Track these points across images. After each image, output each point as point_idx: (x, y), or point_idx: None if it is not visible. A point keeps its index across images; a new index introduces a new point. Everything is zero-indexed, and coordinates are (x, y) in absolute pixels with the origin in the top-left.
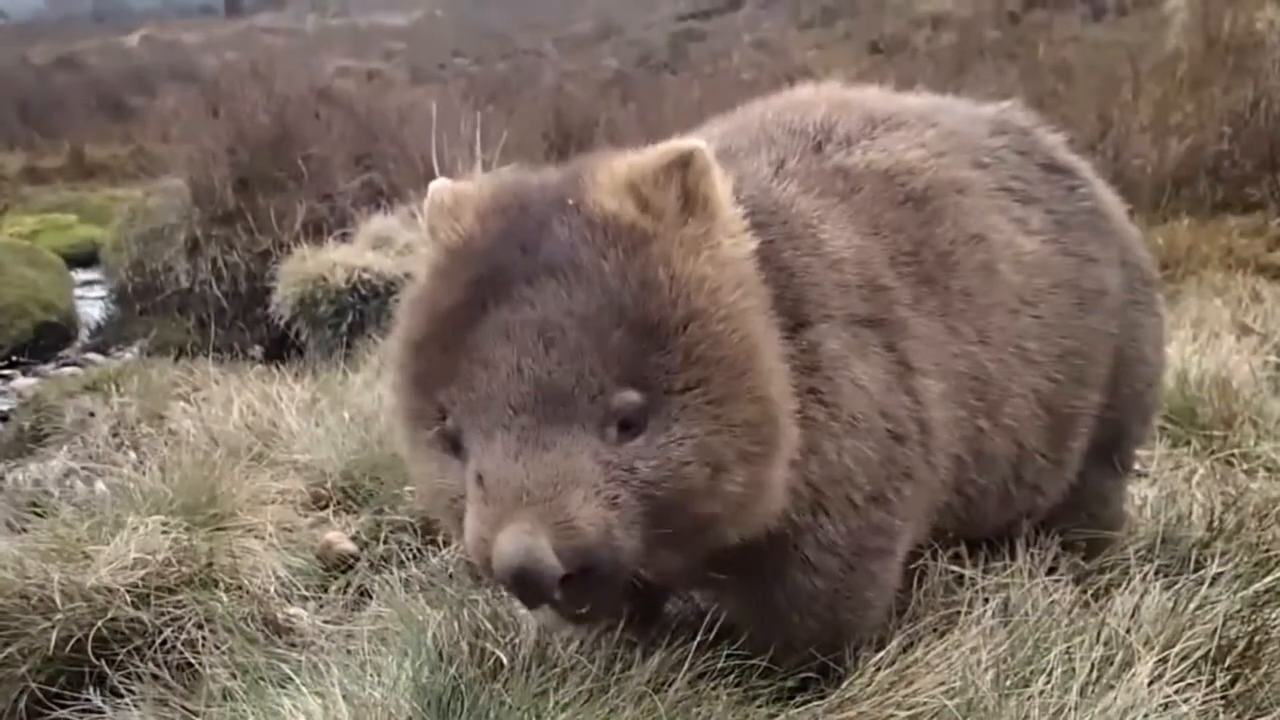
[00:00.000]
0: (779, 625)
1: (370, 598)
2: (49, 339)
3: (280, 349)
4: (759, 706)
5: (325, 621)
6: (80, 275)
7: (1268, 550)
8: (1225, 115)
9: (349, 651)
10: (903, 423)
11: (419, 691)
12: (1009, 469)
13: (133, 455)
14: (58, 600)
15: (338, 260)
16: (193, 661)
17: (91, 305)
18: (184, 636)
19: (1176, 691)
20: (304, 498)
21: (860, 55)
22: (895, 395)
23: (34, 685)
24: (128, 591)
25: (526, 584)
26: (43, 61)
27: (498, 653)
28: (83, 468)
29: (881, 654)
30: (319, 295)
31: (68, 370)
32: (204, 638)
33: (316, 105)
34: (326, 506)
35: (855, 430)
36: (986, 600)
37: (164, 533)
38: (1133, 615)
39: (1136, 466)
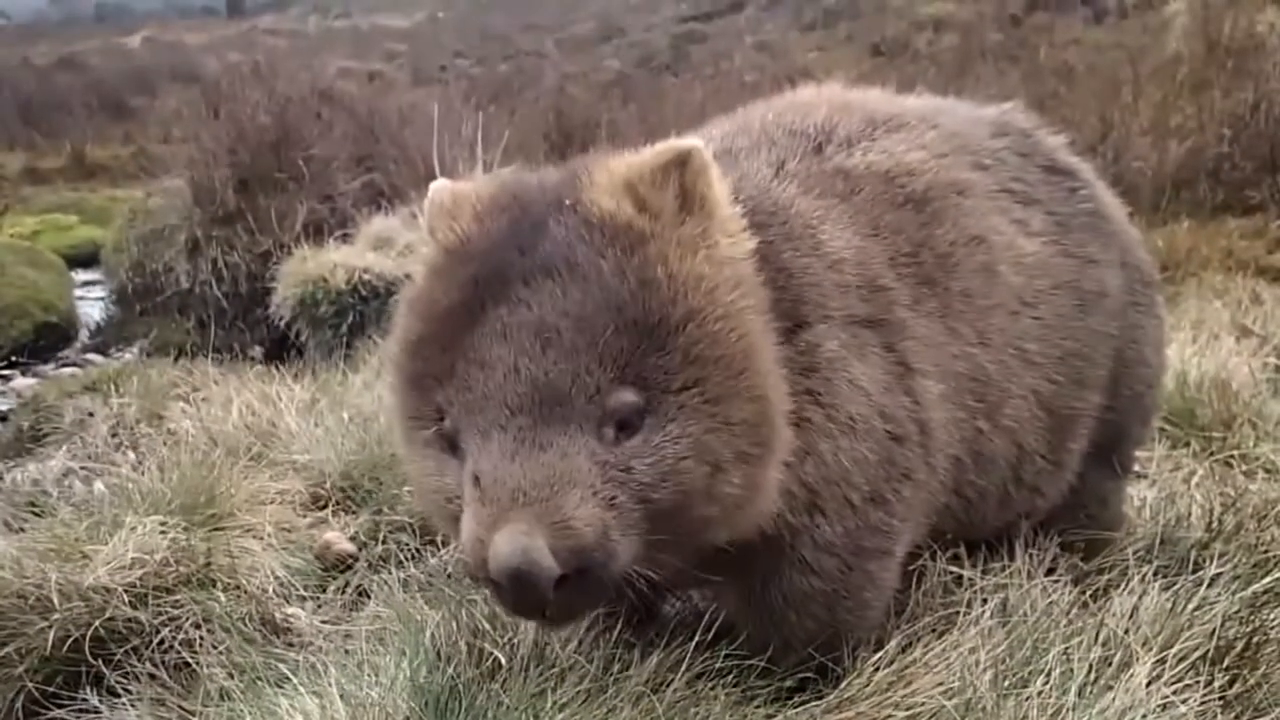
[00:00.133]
0: (777, 625)
1: (369, 598)
2: (49, 339)
3: (280, 350)
4: (757, 706)
5: (323, 621)
6: (81, 276)
7: (1266, 551)
8: (1225, 118)
9: (347, 651)
10: (902, 424)
11: (416, 691)
12: (1008, 470)
13: (131, 455)
14: (55, 600)
15: (338, 261)
16: (190, 661)
17: (92, 306)
18: (181, 636)
19: (1175, 692)
20: (303, 498)
21: (862, 57)
22: (894, 396)
23: (31, 685)
24: (125, 591)
25: (522, 585)
26: (44, 62)
27: (496, 653)
28: (81, 468)
29: (880, 654)
30: (319, 296)
31: (67, 370)
32: (201, 637)
33: (318, 106)
34: (325, 507)
35: (853, 431)
36: (985, 601)
37: (162, 533)
38: (1131, 616)
39: (1136, 468)
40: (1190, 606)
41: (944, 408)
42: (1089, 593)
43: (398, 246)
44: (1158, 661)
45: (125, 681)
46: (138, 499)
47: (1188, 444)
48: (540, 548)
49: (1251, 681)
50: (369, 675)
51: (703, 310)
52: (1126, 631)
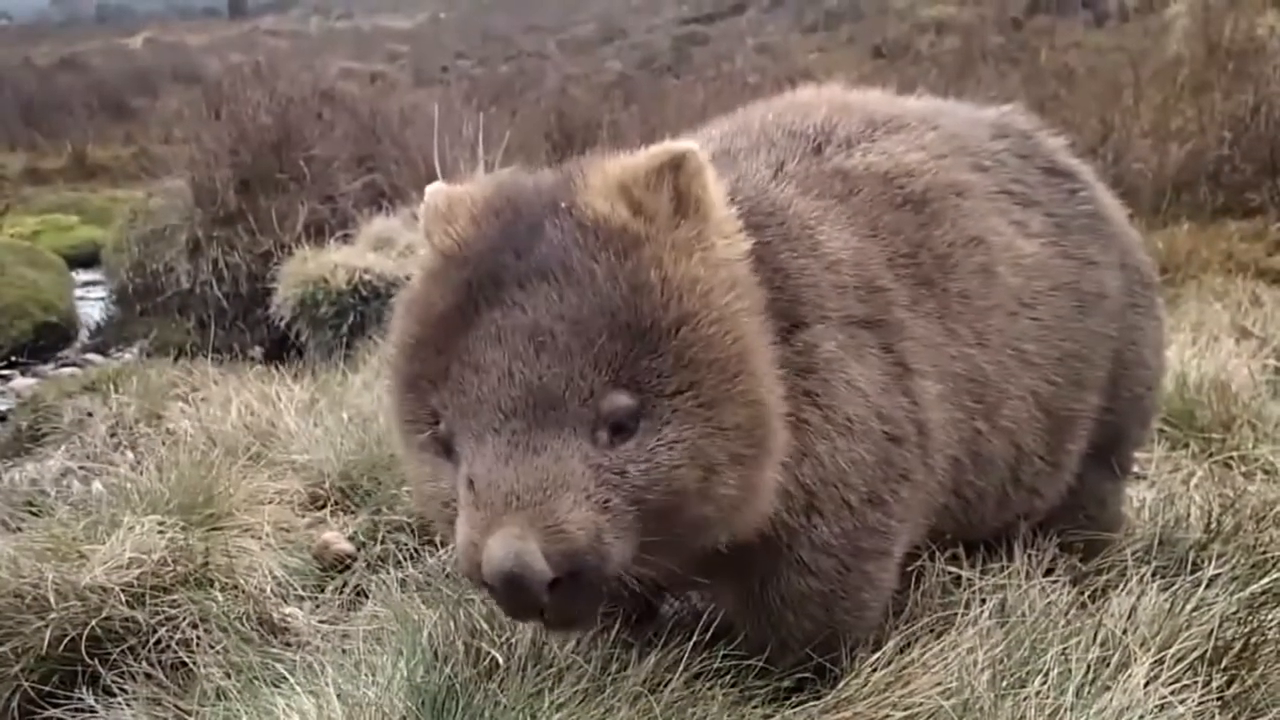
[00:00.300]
0: (775, 626)
1: (366, 598)
2: (49, 339)
3: (281, 350)
4: (754, 707)
5: (321, 621)
6: (81, 276)
7: (1265, 552)
8: (1226, 120)
9: (344, 651)
10: (900, 424)
11: (413, 691)
12: (1007, 471)
13: (130, 455)
14: (52, 599)
15: (339, 261)
16: (187, 661)
17: (92, 306)
18: (178, 636)
19: (1173, 693)
20: (301, 498)
21: (863, 59)
22: (892, 397)
23: (27, 684)
24: (122, 591)
25: (516, 588)
26: (46, 62)
27: (493, 652)
28: (80, 467)
29: (878, 654)
30: (320, 296)
31: (67, 371)
32: (198, 637)
33: (319, 107)
34: (324, 506)
35: (850, 432)
36: (983, 601)
37: (160, 532)
38: (1129, 616)
39: (1135, 469)
40: (1188, 607)
41: (942, 408)
42: (1087, 593)
43: (398, 247)
44: (1156, 662)
45: (121, 681)
46: (136, 499)
47: (1187, 445)
48: (533, 551)
49: (1249, 682)
50: (366, 675)
51: (697, 313)
52: (1125, 632)
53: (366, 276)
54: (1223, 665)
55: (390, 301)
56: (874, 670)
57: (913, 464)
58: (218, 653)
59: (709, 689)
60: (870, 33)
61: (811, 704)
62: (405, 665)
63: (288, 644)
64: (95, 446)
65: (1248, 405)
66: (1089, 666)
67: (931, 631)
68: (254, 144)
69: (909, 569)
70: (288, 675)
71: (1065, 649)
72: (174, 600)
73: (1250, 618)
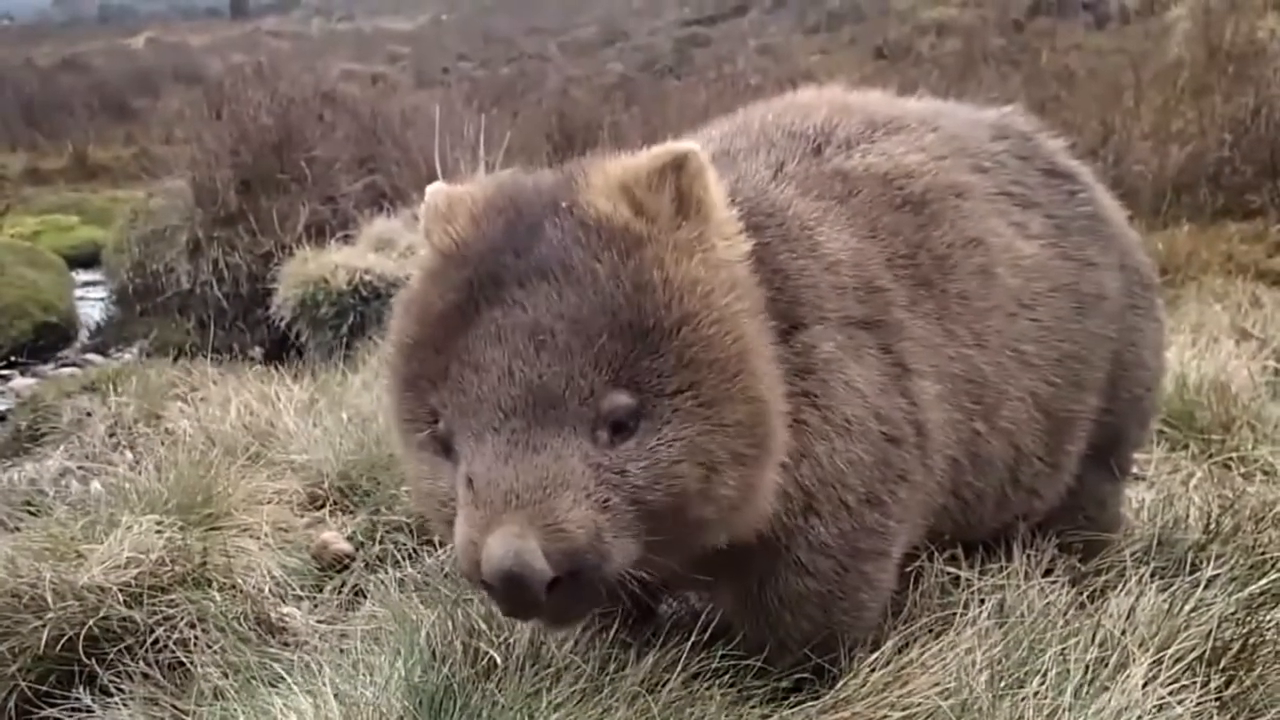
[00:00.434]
0: (773, 626)
1: (365, 597)
2: (48, 339)
3: (281, 350)
4: (753, 707)
5: (319, 621)
6: (82, 276)
7: (1263, 553)
8: (1226, 122)
9: (342, 651)
10: (898, 425)
11: (411, 691)
12: (1006, 472)
13: (129, 455)
14: (49, 599)
15: (339, 262)
16: (184, 661)
17: (92, 306)
18: (176, 636)
19: (1171, 693)
20: (300, 498)
21: (865, 61)
22: (890, 397)
23: (24, 684)
24: (120, 590)
25: (515, 587)
26: (47, 63)
27: (491, 652)
28: (79, 467)
29: (876, 655)
30: (320, 297)
31: (66, 371)
32: (196, 637)
33: (320, 108)
34: (323, 506)
35: (849, 433)
36: (982, 601)
37: (158, 532)
38: (1128, 617)
39: (1134, 470)
40: (1187, 608)
41: (941, 409)
42: (1086, 594)
43: (399, 248)
44: (1154, 662)
45: (119, 681)
46: (134, 498)
47: (1186, 446)
48: (532, 550)
49: (1248, 683)
50: (364, 675)
51: (698, 314)
52: (1123, 632)
53: (367, 277)
54: (1221, 666)
55: (390, 302)
56: (872, 670)
57: (911, 465)
58: (215, 652)
59: (707, 689)
60: (872, 34)
61: (810, 704)
62: (403, 665)
63: (285, 644)
64: (94, 446)
65: (1247, 406)
66: (1087, 667)
67: (930, 632)
68: (255, 145)
69: (907, 569)
70: (285, 675)
71: (1064, 649)
72: (172, 600)
73: (1249, 618)
